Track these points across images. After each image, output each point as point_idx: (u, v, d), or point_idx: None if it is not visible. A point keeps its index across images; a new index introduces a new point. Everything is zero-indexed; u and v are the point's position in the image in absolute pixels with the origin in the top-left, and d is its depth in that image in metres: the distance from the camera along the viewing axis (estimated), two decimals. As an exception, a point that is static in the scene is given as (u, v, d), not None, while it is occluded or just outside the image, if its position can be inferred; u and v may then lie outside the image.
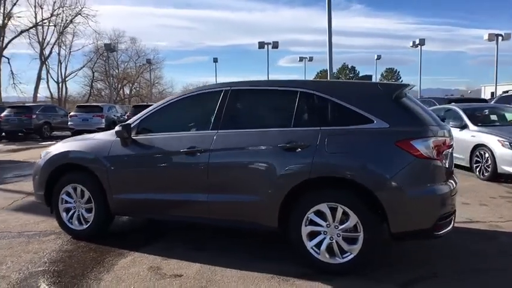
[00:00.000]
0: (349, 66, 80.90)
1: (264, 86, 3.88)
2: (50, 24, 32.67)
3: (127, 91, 53.28)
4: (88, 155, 4.11)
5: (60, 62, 37.89)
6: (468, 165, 7.65)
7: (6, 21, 28.54)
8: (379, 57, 45.64)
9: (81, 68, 39.56)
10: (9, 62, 30.48)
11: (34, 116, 17.78)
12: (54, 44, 34.81)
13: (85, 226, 4.20)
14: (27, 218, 4.98)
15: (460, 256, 3.66)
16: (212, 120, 3.73)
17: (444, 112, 8.78)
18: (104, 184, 4.02)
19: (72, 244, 4.07)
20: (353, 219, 3.17)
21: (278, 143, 3.36)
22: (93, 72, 39.82)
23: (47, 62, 35.47)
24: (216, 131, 3.65)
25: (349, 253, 3.21)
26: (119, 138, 3.99)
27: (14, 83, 31.91)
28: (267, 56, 37.21)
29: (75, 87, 64.72)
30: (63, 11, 32.61)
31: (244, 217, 3.55)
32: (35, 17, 30.96)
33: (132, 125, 4.00)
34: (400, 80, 67.18)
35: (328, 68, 13.33)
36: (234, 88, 3.79)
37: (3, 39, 29.07)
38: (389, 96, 3.32)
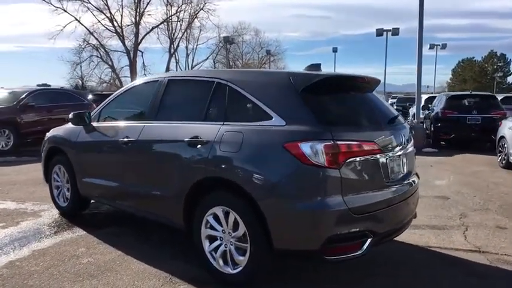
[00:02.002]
0: (498, 54, 69.70)
1: (190, 76, 3.65)
2: (177, 20, 36.37)
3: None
4: (64, 140, 4.52)
5: (187, 54, 41.92)
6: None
7: (139, 19, 33.04)
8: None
9: (205, 60, 43.03)
10: (142, 56, 35.26)
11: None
12: (181, 38, 38.62)
13: (65, 204, 4.66)
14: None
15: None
16: (146, 111, 3.71)
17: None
18: (74, 167, 4.38)
19: (50, 217, 4.60)
20: (242, 227, 2.80)
21: (186, 137, 3.16)
22: (215, 64, 42.90)
23: (175, 55, 39.61)
24: (145, 123, 3.62)
25: (239, 265, 2.87)
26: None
27: (145, 74, 36.61)
28: (386, 43, 34.62)
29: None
30: (190, 7, 35.83)
31: (161, 211, 3.46)
32: (166, 14, 34.97)
33: (94, 112, 4.26)
34: None
35: (417, 54, 11.71)
36: (168, 78, 3.68)
37: (137, 35, 33.81)
38: (296, 90, 2.78)
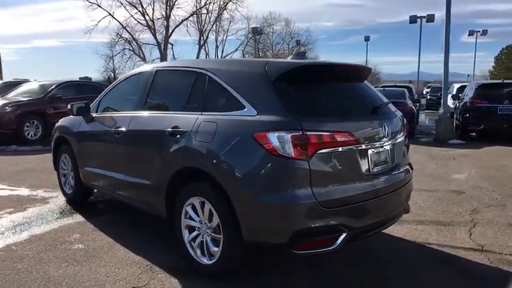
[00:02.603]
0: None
1: (175, 67, 3.61)
2: (206, 12, 36.46)
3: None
4: (68, 129, 4.65)
5: (217, 46, 42.04)
6: None
7: (169, 12, 33.45)
8: None
9: (234, 51, 43.01)
10: (172, 48, 35.71)
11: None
12: (210, 30, 38.74)
13: (71, 191, 4.81)
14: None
15: None
16: (136, 102, 3.73)
17: None
18: (76, 156, 4.50)
19: (56, 204, 4.77)
20: (216, 218, 2.76)
21: (167, 127, 3.15)
22: (244, 55, 42.82)
23: (205, 46, 39.83)
24: (134, 113, 3.65)
25: (213, 256, 2.84)
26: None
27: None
28: (420, 31, 33.20)
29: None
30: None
31: (147, 200, 3.48)
32: (195, 6, 35.18)
33: (94, 103, 4.34)
34: None
35: (444, 41, 11.12)
36: (157, 68, 3.67)
37: (167, 28, 34.25)
38: (269, 79, 2.68)
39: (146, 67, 3.94)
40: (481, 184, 5.85)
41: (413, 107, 12.21)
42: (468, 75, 47.51)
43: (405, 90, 12.68)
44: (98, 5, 32.16)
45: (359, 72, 3.16)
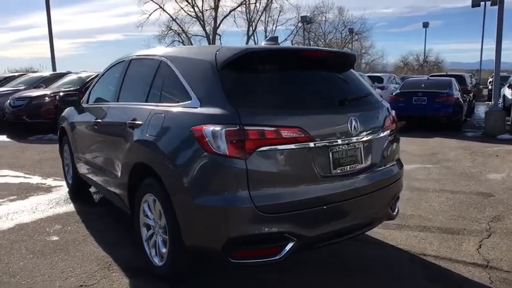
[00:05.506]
0: None
1: (144, 55, 3.37)
2: (255, 2, 36.19)
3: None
4: (66, 120, 4.69)
5: (265, 36, 41.64)
6: None
7: (217, 2, 33.63)
8: None
9: (283, 41, 42.41)
10: (220, 39, 35.95)
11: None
12: (259, 19, 38.45)
13: (71, 181, 4.88)
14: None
15: None
16: (112, 92, 3.62)
17: None
18: (71, 146, 4.54)
19: (56, 193, 4.87)
20: (163, 218, 2.57)
21: (128, 119, 2.99)
22: (293, 45, 42.15)
23: (254, 37, 39.66)
24: (110, 104, 3.55)
25: (163, 258, 2.65)
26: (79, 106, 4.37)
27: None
28: (483, 16, 30.47)
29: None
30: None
31: (116, 195, 3.37)
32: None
33: (86, 94, 4.33)
34: None
35: (496, 26, 9.94)
36: (131, 58, 3.51)
37: (216, 19, 34.55)
38: (216, 67, 2.39)
39: (124, 56, 3.81)
40: (519, 187, 5.11)
41: (461, 98, 11.14)
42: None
43: (452, 80, 11.58)
44: (150, -1, 33.20)
45: (332, 60, 2.77)
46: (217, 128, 2.15)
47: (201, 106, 2.34)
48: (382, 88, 16.00)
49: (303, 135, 2.24)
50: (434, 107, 10.50)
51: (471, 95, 14.96)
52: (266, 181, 2.18)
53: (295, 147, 2.23)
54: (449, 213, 4.13)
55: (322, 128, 2.35)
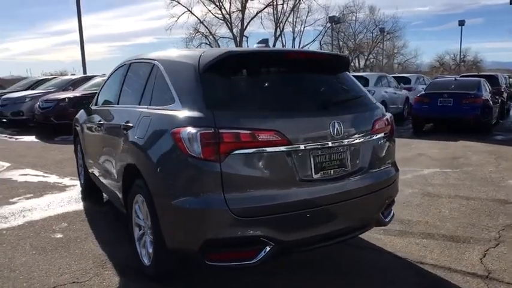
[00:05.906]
0: None
1: (142, 59, 3.44)
2: (282, 3, 36.17)
3: (362, 62, 52.80)
4: (78, 121, 4.86)
5: (293, 38, 41.50)
6: None
7: (244, 3, 33.89)
8: None
9: (311, 42, 42.11)
10: (247, 41, 36.23)
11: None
12: (286, 20, 38.34)
13: (83, 181, 5.06)
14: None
15: None
16: (114, 95, 3.73)
17: None
18: (81, 147, 4.71)
19: (69, 192, 5.06)
20: (149, 218, 2.62)
21: (122, 121, 3.08)
22: (321, 46, 41.64)
23: (281, 38, 39.58)
24: (112, 106, 3.65)
25: (150, 258, 2.69)
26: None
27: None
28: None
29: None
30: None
31: (114, 196, 3.45)
32: (271, -3, 35.08)
33: (96, 96, 4.48)
34: None
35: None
36: (131, 61, 3.60)
37: (243, 21, 34.80)
38: (198, 70, 2.41)
39: (126, 60, 3.91)
40: (541, 193, 4.83)
41: (491, 100, 10.65)
42: None
43: (481, 80, 11.09)
44: (178, 2, 33.91)
45: (320, 62, 2.72)
46: (193, 130, 2.17)
47: (182, 109, 2.36)
48: (409, 89, 15.53)
49: (279, 139, 2.22)
50: (461, 108, 10.09)
51: (504, 95, 14.26)
52: (242, 184, 2.18)
53: (271, 150, 2.21)
54: (459, 220, 3.96)
55: (302, 131, 2.32)
